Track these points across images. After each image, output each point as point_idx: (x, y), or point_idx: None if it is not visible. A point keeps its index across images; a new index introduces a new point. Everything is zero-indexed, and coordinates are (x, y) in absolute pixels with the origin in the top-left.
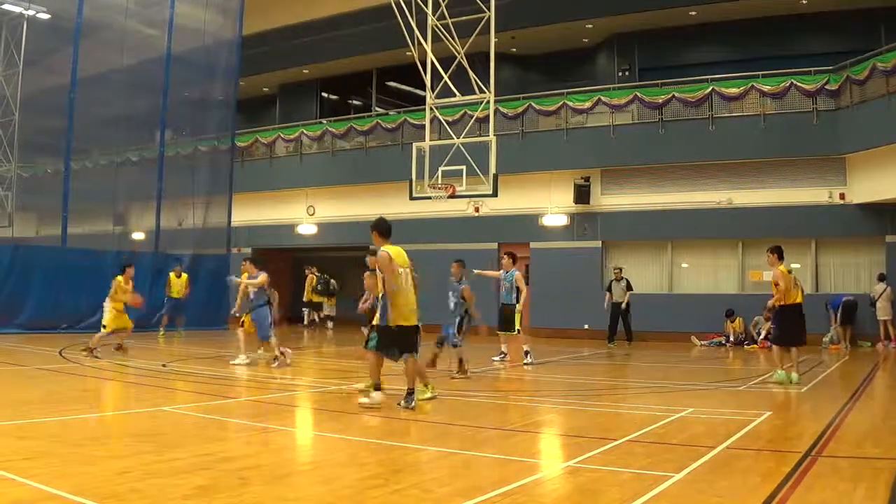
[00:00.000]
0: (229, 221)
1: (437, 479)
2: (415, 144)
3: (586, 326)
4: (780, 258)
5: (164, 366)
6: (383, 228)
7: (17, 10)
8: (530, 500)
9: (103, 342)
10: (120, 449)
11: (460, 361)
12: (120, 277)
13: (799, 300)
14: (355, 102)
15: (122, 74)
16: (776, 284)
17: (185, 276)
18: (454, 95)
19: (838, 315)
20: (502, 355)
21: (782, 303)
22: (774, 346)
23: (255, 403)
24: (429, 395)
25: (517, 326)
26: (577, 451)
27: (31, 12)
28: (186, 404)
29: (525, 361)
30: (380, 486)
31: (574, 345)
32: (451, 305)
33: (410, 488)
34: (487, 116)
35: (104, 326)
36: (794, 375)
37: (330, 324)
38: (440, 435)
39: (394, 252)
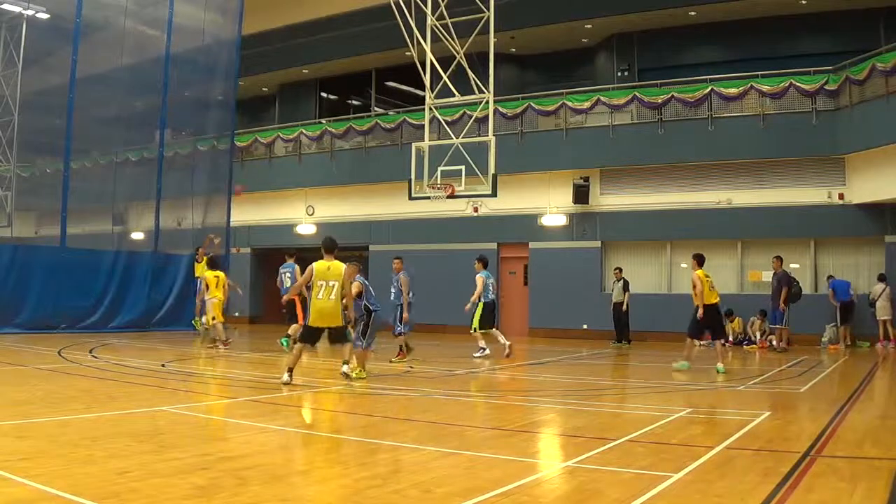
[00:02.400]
0: (228, 221)
1: (437, 479)
2: (414, 144)
3: (585, 326)
4: (700, 264)
5: (163, 365)
6: (326, 245)
7: (17, 9)
8: (530, 499)
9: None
10: (119, 449)
11: (400, 348)
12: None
13: (715, 300)
14: (354, 102)
15: (122, 74)
16: (694, 286)
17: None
18: (453, 95)
19: (838, 311)
20: (482, 350)
21: (700, 303)
22: (688, 339)
23: (254, 403)
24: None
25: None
26: (576, 451)
27: (30, 12)
28: (186, 404)
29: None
30: (378, 486)
31: (573, 345)
32: (392, 296)
33: (409, 488)
34: (486, 116)
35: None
36: (721, 366)
37: None
38: (439, 435)
39: (322, 267)
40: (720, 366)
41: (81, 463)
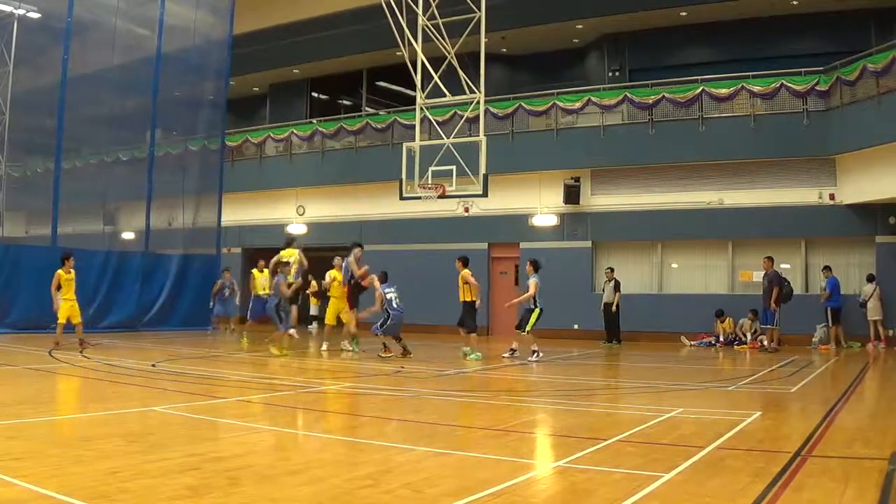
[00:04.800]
0: (219, 221)
1: (428, 480)
2: (405, 144)
3: (576, 326)
4: (465, 265)
5: (153, 365)
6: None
7: (8, 9)
8: (521, 500)
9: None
10: (109, 449)
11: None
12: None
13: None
14: (345, 102)
15: (113, 74)
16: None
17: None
18: (444, 95)
19: (829, 311)
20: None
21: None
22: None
23: (244, 404)
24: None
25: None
26: (567, 451)
27: (21, 11)
28: (176, 404)
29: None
30: (370, 486)
31: (564, 345)
32: None
33: (401, 489)
34: (477, 116)
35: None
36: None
37: (315, 324)
38: (430, 435)
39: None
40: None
41: (72, 463)
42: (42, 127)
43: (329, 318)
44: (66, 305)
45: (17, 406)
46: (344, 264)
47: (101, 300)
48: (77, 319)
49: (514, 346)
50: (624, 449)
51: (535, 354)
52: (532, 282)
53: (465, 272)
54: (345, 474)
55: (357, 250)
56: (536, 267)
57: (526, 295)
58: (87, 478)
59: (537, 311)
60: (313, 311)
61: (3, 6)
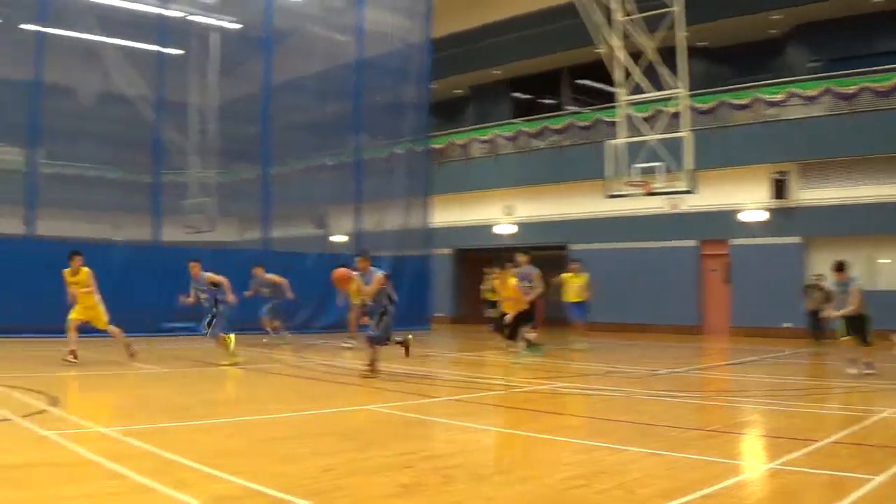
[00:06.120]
0: (428, 223)
1: (639, 480)
2: (607, 142)
3: (786, 325)
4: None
5: (368, 364)
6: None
7: (209, 21)
8: (732, 502)
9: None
10: (323, 447)
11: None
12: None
13: None
14: (546, 101)
15: (314, 81)
16: None
17: (584, 275)
18: (645, 92)
19: None
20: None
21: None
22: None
23: (457, 403)
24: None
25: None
26: (778, 453)
27: (222, 23)
28: (390, 403)
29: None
30: (582, 486)
31: (775, 344)
32: None
33: (613, 489)
34: (679, 112)
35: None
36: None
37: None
38: (642, 435)
39: None
40: None
41: (286, 461)
42: (248, 134)
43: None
44: (79, 308)
45: (233, 405)
46: (525, 270)
47: (316, 302)
48: (100, 324)
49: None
50: (837, 451)
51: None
52: (855, 289)
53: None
54: (556, 474)
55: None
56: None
57: (854, 303)
58: (302, 475)
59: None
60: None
61: (205, 18)
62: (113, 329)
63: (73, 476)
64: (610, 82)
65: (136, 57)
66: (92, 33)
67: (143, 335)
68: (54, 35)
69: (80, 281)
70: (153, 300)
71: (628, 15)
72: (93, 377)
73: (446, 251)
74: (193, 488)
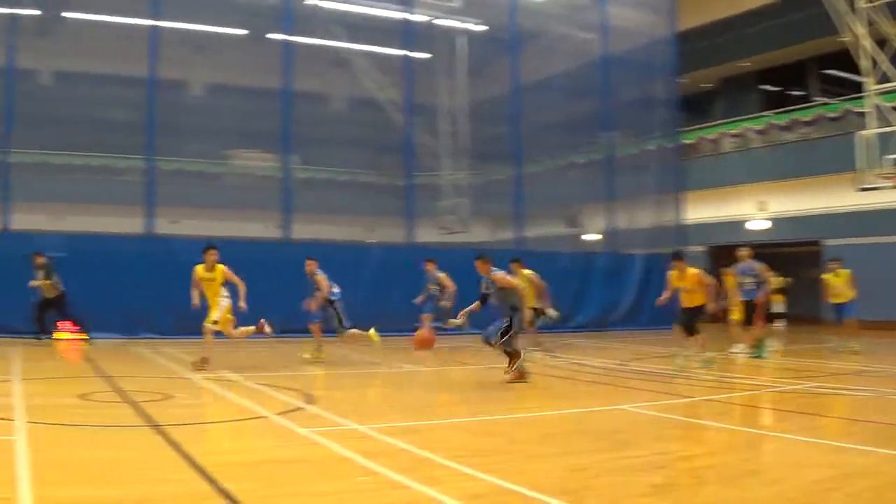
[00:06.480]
0: (682, 220)
1: (892, 484)
2: (858, 133)
3: None
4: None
5: (622, 365)
6: None
7: (454, 24)
8: None
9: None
10: (577, 446)
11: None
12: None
13: None
14: (795, 93)
15: (561, 79)
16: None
17: (845, 273)
18: (892, 80)
19: None
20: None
21: None
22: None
23: (708, 403)
24: None
25: None
26: None
27: (467, 25)
28: (644, 403)
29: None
30: (831, 489)
31: None
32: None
33: (863, 492)
34: None
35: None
36: None
37: (781, 322)
38: (892, 437)
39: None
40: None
41: (537, 459)
42: (498, 135)
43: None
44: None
45: (488, 403)
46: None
47: (570, 301)
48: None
49: None
50: None
51: None
52: None
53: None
54: (806, 476)
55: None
56: None
57: None
58: (553, 474)
59: None
60: (778, 307)
61: (451, 21)
62: (209, 328)
63: (328, 472)
64: (857, 71)
65: (384, 62)
66: (339, 40)
67: (395, 335)
68: (302, 44)
69: (216, 278)
70: (406, 300)
71: (871, 1)
72: (344, 376)
73: (700, 248)
74: (446, 485)
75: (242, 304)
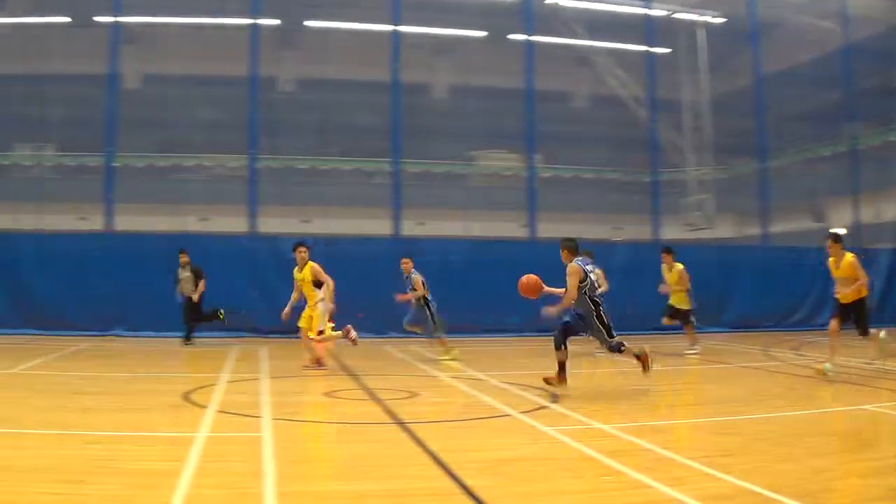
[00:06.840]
0: None
1: None
2: None
3: None
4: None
5: (869, 364)
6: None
7: (693, 17)
8: None
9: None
10: (820, 447)
11: None
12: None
13: None
14: None
15: (804, 70)
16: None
17: None
18: None
19: None
20: None
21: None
22: None
23: None
24: None
25: None
26: None
27: (706, 18)
28: (887, 403)
29: None
30: None
31: None
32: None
33: None
34: None
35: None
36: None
37: None
38: None
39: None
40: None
41: (781, 460)
42: (741, 128)
43: None
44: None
45: (731, 403)
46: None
47: (814, 298)
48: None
49: None
50: None
51: None
52: None
53: None
54: None
55: None
56: None
57: None
58: (794, 475)
59: None
60: None
61: (689, 15)
62: (317, 338)
63: (572, 471)
64: None
65: (625, 58)
66: (579, 38)
67: (637, 334)
68: (542, 43)
69: (306, 278)
70: (648, 299)
71: None
72: (585, 375)
73: None
74: (689, 486)
75: (329, 303)
